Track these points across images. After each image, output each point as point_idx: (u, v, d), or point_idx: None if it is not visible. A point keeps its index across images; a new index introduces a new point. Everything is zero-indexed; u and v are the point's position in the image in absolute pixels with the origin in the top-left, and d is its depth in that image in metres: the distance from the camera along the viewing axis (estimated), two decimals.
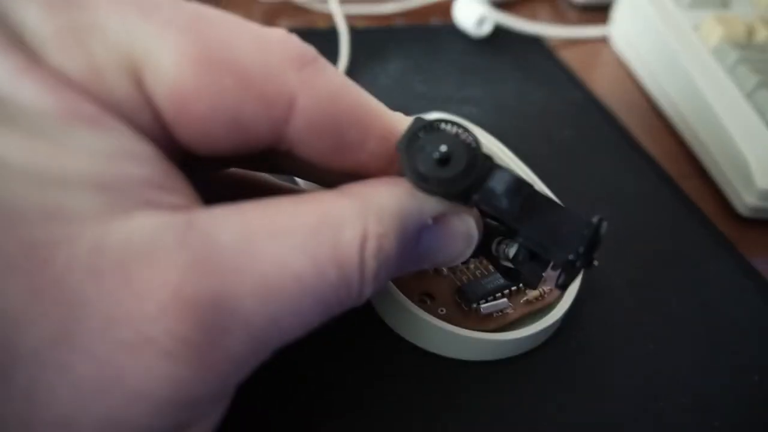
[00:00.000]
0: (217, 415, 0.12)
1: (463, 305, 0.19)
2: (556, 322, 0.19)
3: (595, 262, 0.14)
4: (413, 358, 0.18)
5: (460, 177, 0.13)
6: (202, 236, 0.10)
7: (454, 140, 0.13)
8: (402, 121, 0.14)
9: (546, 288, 0.19)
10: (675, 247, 0.24)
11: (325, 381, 0.17)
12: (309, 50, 0.13)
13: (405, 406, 0.17)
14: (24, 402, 0.09)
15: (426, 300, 0.19)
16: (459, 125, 0.13)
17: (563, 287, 0.15)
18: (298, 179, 0.21)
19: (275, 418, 0.16)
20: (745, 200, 0.25)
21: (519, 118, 0.30)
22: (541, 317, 0.18)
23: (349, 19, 0.34)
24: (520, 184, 0.13)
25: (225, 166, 0.16)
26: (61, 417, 0.09)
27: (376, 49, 0.33)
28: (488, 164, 0.13)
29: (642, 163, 0.28)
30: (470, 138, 0.13)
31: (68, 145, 0.10)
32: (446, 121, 0.13)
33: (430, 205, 0.13)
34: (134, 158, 0.10)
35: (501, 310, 0.19)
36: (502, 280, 0.19)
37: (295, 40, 0.13)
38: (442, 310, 0.18)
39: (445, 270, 0.19)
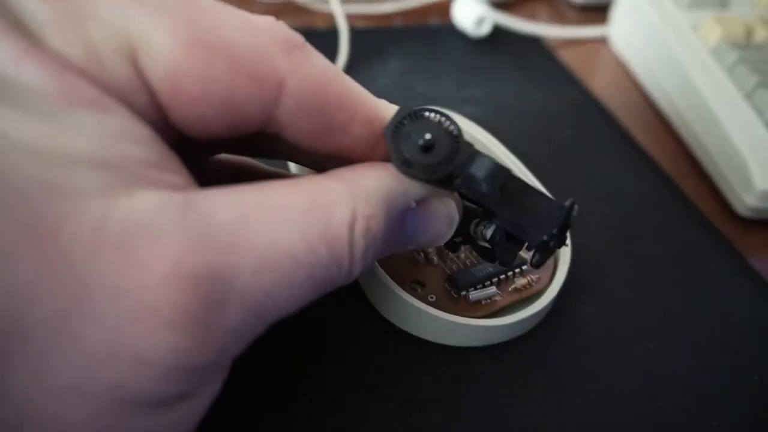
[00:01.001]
0: (215, 388, 0.12)
1: (452, 293, 0.19)
2: (544, 309, 0.19)
3: (567, 243, 0.15)
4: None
5: (443, 163, 0.14)
6: (200, 214, 0.11)
7: (437, 128, 0.14)
8: (385, 107, 0.14)
9: (534, 276, 0.20)
10: (675, 247, 0.24)
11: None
12: (296, 36, 0.13)
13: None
14: (38, 369, 0.10)
15: (417, 288, 0.19)
16: (442, 113, 0.14)
17: (538, 266, 0.16)
18: (289, 163, 0.21)
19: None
20: (744, 201, 0.25)
21: (519, 118, 0.30)
22: (529, 305, 0.19)
23: (348, 18, 0.34)
24: (499, 169, 0.14)
25: (216, 150, 0.17)
26: (74, 383, 0.10)
27: (375, 49, 0.33)
28: (469, 151, 0.14)
29: (641, 163, 0.28)
30: (452, 126, 0.14)
31: (70, 125, 0.10)
32: (430, 110, 0.14)
33: (414, 188, 0.14)
34: (133, 139, 0.11)
35: (490, 298, 0.19)
36: (491, 269, 0.19)
37: (282, 26, 0.13)
38: (432, 297, 0.19)
39: (435, 259, 0.20)
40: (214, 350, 0.11)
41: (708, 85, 0.28)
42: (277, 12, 0.36)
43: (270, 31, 0.13)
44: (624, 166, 0.27)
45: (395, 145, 0.13)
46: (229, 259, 0.11)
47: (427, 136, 0.13)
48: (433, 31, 0.36)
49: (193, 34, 0.12)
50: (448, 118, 0.14)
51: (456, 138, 0.14)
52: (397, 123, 0.14)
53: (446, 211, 0.15)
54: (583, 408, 0.18)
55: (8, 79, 0.10)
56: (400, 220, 0.14)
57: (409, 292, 0.18)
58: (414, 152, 0.13)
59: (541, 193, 0.15)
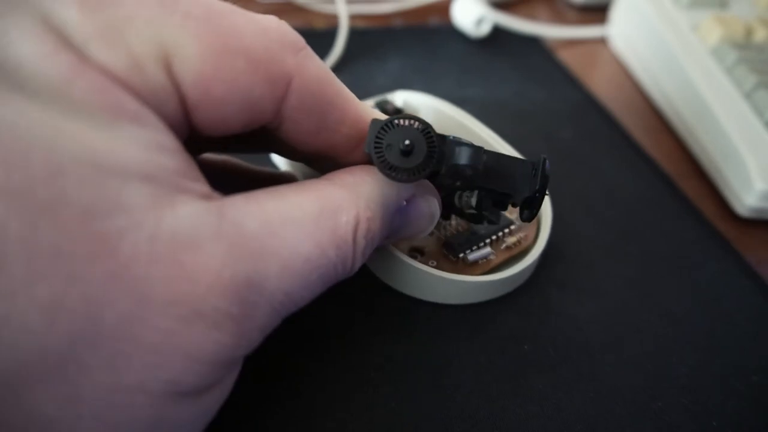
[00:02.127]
0: (235, 376, 0.14)
1: (450, 257, 0.20)
2: (534, 261, 0.21)
3: (546, 192, 0.17)
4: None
5: (425, 162, 0.15)
6: (233, 225, 0.12)
7: (412, 132, 0.15)
8: (369, 110, 0.16)
9: (522, 234, 0.21)
10: (675, 247, 0.24)
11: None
12: (300, 37, 0.14)
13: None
14: (108, 372, 0.11)
15: (416, 255, 0.20)
16: (411, 117, 0.15)
17: (529, 220, 0.17)
18: (275, 158, 0.23)
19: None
20: (743, 201, 0.25)
21: (518, 119, 0.30)
22: (520, 260, 0.20)
23: (349, 18, 0.34)
24: (477, 152, 0.15)
25: (212, 148, 0.18)
26: (137, 382, 0.11)
27: (375, 49, 0.33)
28: (445, 143, 0.15)
29: (641, 164, 0.28)
30: (423, 126, 0.15)
31: (117, 138, 0.11)
32: (399, 117, 0.15)
33: (404, 189, 0.16)
34: (166, 150, 0.12)
35: (485, 257, 0.20)
36: (483, 231, 0.21)
37: (287, 27, 0.14)
38: (432, 263, 0.20)
39: None
40: (246, 344, 0.12)
41: (708, 85, 0.28)
42: (277, 12, 0.36)
43: (278, 32, 0.14)
44: (624, 166, 0.27)
45: (378, 156, 0.15)
46: (259, 265, 0.12)
47: (407, 141, 0.15)
48: (432, 31, 0.36)
49: (218, 39, 0.12)
50: (417, 119, 0.15)
51: (430, 136, 0.15)
52: (375, 136, 0.15)
53: (429, 209, 0.17)
54: (582, 408, 0.18)
55: (62, 95, 0.11)
56: (392, 218, 0.16)
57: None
58: (397, 159, 0.15)
59: (514, 157, 0.16)
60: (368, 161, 0.16)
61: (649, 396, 0.18)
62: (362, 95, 0.27)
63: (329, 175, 0.15)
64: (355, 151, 0.16)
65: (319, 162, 0.17)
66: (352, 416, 0.17)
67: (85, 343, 0.10)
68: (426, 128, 0.15)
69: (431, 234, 0.21)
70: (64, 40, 0.11)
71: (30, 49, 0.11)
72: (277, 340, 0.14)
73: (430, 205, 0.17)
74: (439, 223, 0.21)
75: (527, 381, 0.18)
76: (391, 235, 0.16)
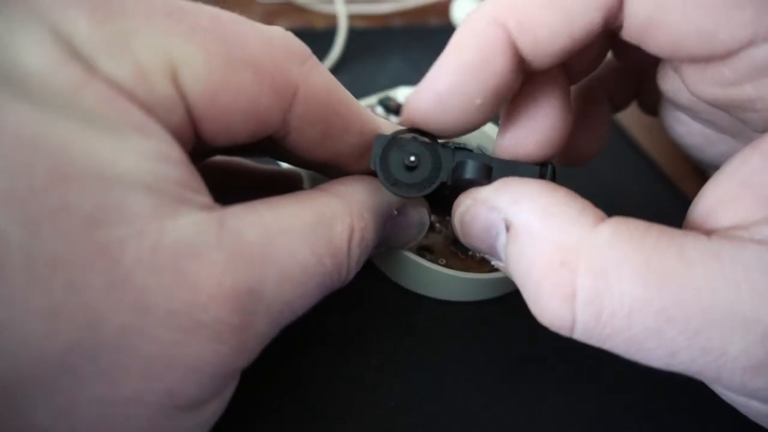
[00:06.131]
0: (234, 386, 0.13)
1: (459, 254, 0.20)
2: None
3: None
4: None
5: (430, 177, 0.15)
6: (232, 234, 0.12)
7: (418, 147, 0.15)
8: (374, 119, 0.16)
9: None
10: None
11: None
12: (306, 48, 0.14)
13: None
14: (104, 383, 0.11)
15: (425, 254, 0.20)
16: (416, 131, 0.15)
17: None
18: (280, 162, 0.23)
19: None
20: None
21: None
22: None
23: (348, 18, 0.34)
24: (483, 164, 0.15)
25: (218, 154, 0.18)
26: (134, 393, 0.11)
27: (375, 49, 0.33)
28: (451, 156, 0.15)
29: (641, 164, 0.28)
30: (429, 141, 0.15)
31: (122, 149, 0.11)
32: (405, 131, 0.15)
33: (394, 198, 0.16)
34: (170, 161, 0.12)
35: None
36: None
37: (294, 38, 0.14)
38: (442, 261, 0.20)
39: (438, 225, 0.21)
40: (245, 355, 0.12)
41: None
42: (277, 12, 0.36)
43: (284, 43, 0.14)
44: (624, 166, 0.27)
45: (384, 173, 0.15)
46: (258, 274, 0.12)
47: (412, 158, 0.15)
48: (432, 31, 0.36)
49: (224, 49, 0.13)
50: (423, 133, 0.15)
51: (436, 151, 0.15)
52: (382, 153, 0.15)
53: (419, 218, 0.17)
54: (582, 407, 0.18)
55: (68, 104, 0.11)
56: (383, 226, 0.16)
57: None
58: (402, 174, 0.15)
59: (520, 162, 0.16)
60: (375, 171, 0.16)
61: (648, 396, 0.18)
62: (362, 95, 0.27)
63: (323, 185, 0.15)
64: (361, 159, 0.16)
65: (326, 171, 0.17)
66: (352, 416, 0.17)
67: (83, 353, 0.10)
68: (431, 143, 0.15)
69: (439, 232, 0.21)
70: (72, 51, 0.11)
71: (38, 58, 0.11)
72: (278, 338, 0.14)
73: (420, 214, 0.17)
74: (446, 220, 0.21)
75: (527, 381, 0.18)
76: (381, 244, 0.16)
